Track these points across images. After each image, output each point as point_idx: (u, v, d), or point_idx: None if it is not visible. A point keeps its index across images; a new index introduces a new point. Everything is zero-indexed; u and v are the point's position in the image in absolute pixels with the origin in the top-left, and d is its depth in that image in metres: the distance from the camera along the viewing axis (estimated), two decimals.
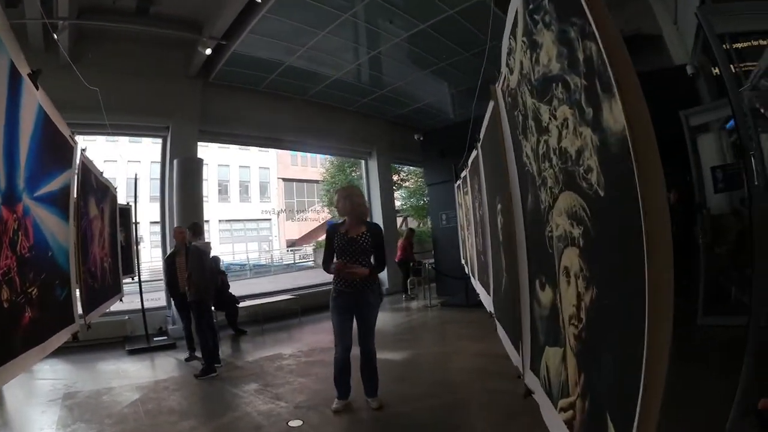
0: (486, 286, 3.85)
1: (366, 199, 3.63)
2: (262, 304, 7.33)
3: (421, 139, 9.36)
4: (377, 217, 9.94)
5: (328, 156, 19.45)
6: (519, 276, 2.02)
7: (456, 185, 7.06)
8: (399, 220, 16.36)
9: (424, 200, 18.49)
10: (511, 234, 2.13)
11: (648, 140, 0.75)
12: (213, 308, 5.18)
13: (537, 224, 1.63)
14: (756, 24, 2.45)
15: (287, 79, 7.91)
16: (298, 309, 7.47)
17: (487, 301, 3.82)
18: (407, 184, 20.27)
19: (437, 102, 9.67)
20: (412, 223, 19.44)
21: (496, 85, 2.09)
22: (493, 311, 3.36)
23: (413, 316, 7.37)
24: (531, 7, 1.19)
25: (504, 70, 1.79)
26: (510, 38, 1.49)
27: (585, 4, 0.83)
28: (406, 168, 18.40)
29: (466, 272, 6.53)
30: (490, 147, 2.79)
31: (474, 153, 3.97)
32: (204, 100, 7.38)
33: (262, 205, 27.99)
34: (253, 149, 25.69)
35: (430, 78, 8.27)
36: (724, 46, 2.08)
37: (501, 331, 2.87)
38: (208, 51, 6.33)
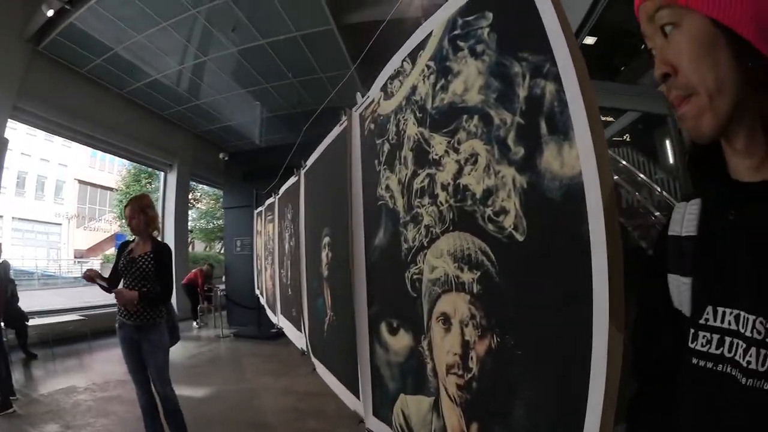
0: (295, 322, 3.58)
1: (158, 212, 2.95)
2: (53, 323, 6.22)
3: (226, 159, 8.82)
4: (169, 237, 9.22)
5: (127, 162, 16.88)
6: (356, 318, 1.87)
7: (257, 212, 6.78)
8: None
9: (214, 223, 17.53)
10: (346, 271, 1.98)
11: (612, 188, 0.72)
12: (2, 325, 4.23)
13: (391, 264, 1.52)
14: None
15: (111, 68, 7.00)
16: (87, 332, 6.42)
17: (296, 337, 3.54)
18: (199, 205, 18.87)
19: (248, 124, 9.40)
20: (199, 246, 18.16)
21: (354, 109, 1.97)
22: (306, 349, 3.10)
23: (207, 347, 6.77)
24: (457, 32, 1.10)
25: (375, 94, 1.68)
26: (405, 60, 1.39)
27: (561, 44, 0.77)
28: (200, 188, 17.13)
29: (261, 303, 6.25)
30: (326, 175, 2.64)
31: (293, 179, 3.75)
32: (28, 71, 6.17)
33: (56, 207, 23.90)
34: (57, 141, 21.81)
35: (249, 97, 8.04)
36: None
37: (325, 373, 2.65)
38: (51, 12, 5.52)
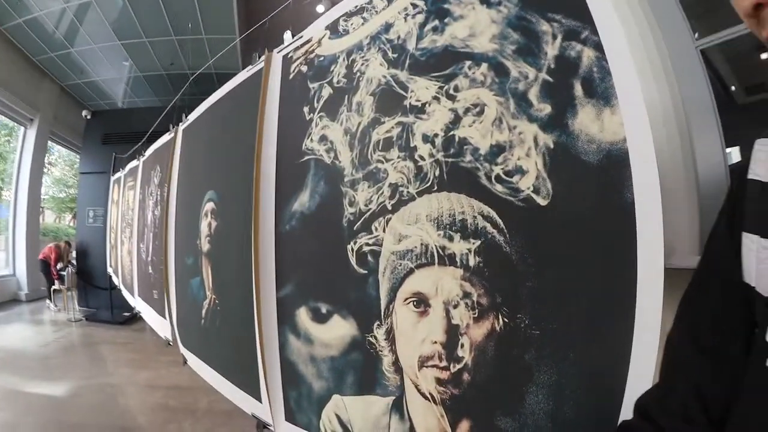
0: (157, 306, 2.98)
1: None
2: None
3: (89, 117, 7.57)
4: (21, 205, 8.10)
5: None
6: (260, 302, 1.55)
7: (114, 178, 5.87)
8: None
9: (66, 192, 15.23)
10: (242, 243, 1.65)
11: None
12: None
13: (322, 233, 1.28)
14: None
15: None
16: None
17: (158, 324, 2.95)
18: (54, 170, 15.82)
19: (114, 81, 8.24)
20: (50, 217, 15.30)
21: (276, 50, 1.64)
22: (172, 339, 2.58)
23: (61, 333, 5.86)
24: None
25: (316, 33, 1.40)
26: None
27: (609, 15, 0.75)
28: (56, 150, 14.31)
29: (115, 283, 5.52)
30: (218, 128, 2.20)
31: (167, 136, 3.13)
32: None
33: None
34: None
35: (123, 51, 7.04)
36: None
37: (203, 368, 2.21)
38: None
